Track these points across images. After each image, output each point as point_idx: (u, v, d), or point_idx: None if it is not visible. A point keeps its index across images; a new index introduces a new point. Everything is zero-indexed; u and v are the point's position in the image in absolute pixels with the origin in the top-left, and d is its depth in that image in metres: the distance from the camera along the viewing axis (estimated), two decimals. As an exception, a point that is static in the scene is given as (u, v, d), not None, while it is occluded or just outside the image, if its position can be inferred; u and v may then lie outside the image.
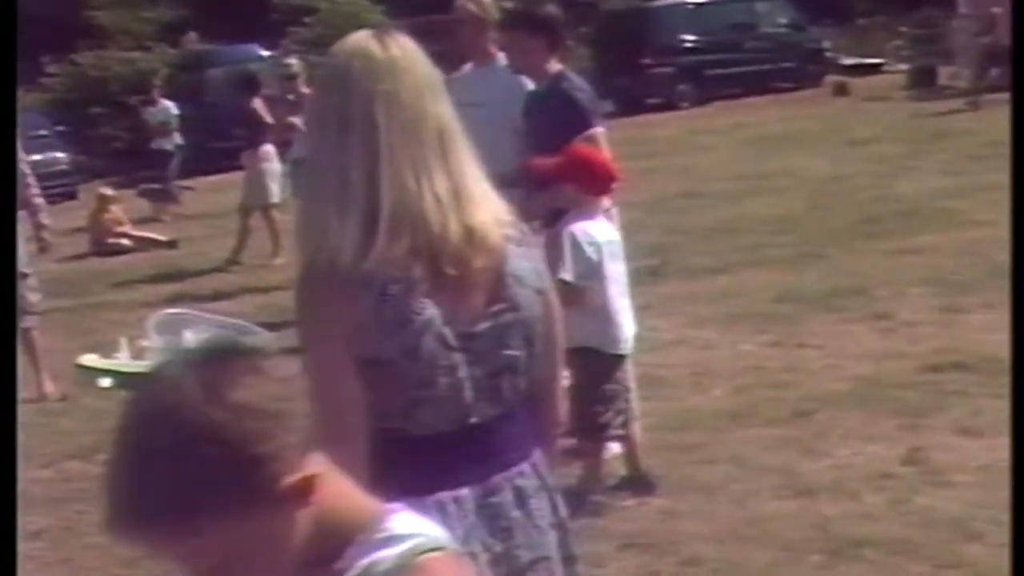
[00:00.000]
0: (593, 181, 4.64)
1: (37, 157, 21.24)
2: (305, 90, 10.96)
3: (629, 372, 5.11)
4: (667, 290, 8.81)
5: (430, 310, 2.09)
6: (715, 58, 25.10)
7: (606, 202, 4.73)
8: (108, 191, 15.05)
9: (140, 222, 16.20)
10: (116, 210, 14.58)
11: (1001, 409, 5.57)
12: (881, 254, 9.24)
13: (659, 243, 9.88)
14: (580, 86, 5.41)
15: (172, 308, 10.20)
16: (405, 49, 2.16)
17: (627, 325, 4.87)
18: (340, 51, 2.20)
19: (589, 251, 4.56)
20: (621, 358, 4.85)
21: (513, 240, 2.22)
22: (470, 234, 2.10)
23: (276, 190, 12.01)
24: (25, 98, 25.68)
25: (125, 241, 14.19)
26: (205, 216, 16.11)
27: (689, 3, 26.07)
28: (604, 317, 4.70)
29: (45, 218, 8.28)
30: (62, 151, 21.29)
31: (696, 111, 24.07)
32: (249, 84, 13.03)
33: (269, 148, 12.14)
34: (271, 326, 9.16)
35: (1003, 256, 8.58)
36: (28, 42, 26.87)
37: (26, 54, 26.66)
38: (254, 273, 11.72)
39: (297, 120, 10.90)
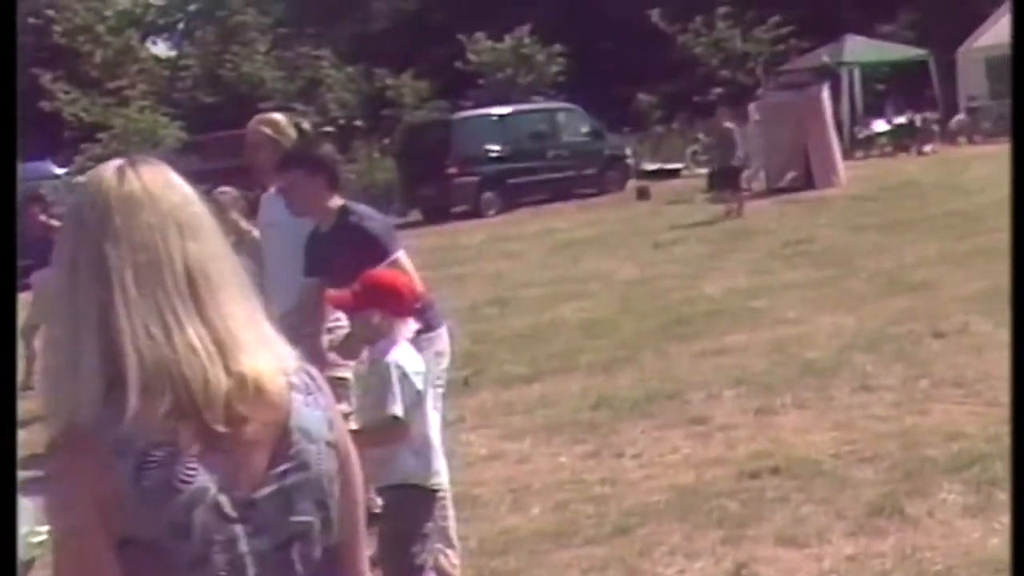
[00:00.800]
0: (400, 303, 4.40)
1: None
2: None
3: (448, 502, 4.87)
4: (480, 401, 8.60)
5: (201, 477, 1.78)
6: (519, 166, 25.38)
7: (413, 325, 4.49)
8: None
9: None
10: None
11: (823, 515, 5.51)
12: (692, 356, 9.21)
13: (470, 352, 9.67)
14: (369, 214, 5.32)
15: None
16: (148, 181, 1.87)
17: (442, 453, 4.62)
18: (82, 183, 1.93)
19: (416, 381, 4.30)
20: (440, 491, 4.58)
21: (299, 388, 1.94)
22: (242, 385, 1.81)
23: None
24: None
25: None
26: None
27: (491, 115, 26.37)
28: (425, 448, 4.43)
29: None
30: None
31: (502, 218, 24.21)
32: (37, 201, 12.50)
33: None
34: None
35: (812, 354, 8.73)
36: None
37: None
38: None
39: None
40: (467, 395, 8.85)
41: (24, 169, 22.60)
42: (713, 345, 9.47)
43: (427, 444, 4.43)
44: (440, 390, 5.20)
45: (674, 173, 28.64)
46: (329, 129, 29.73)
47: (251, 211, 6.96)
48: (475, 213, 24.62)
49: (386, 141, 28.41)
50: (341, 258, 5.06)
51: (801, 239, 15.14)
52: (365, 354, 4.63)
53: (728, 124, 20.20)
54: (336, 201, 5.28)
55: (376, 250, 5.03)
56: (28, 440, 9.30)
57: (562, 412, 8.07)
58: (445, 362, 5.37)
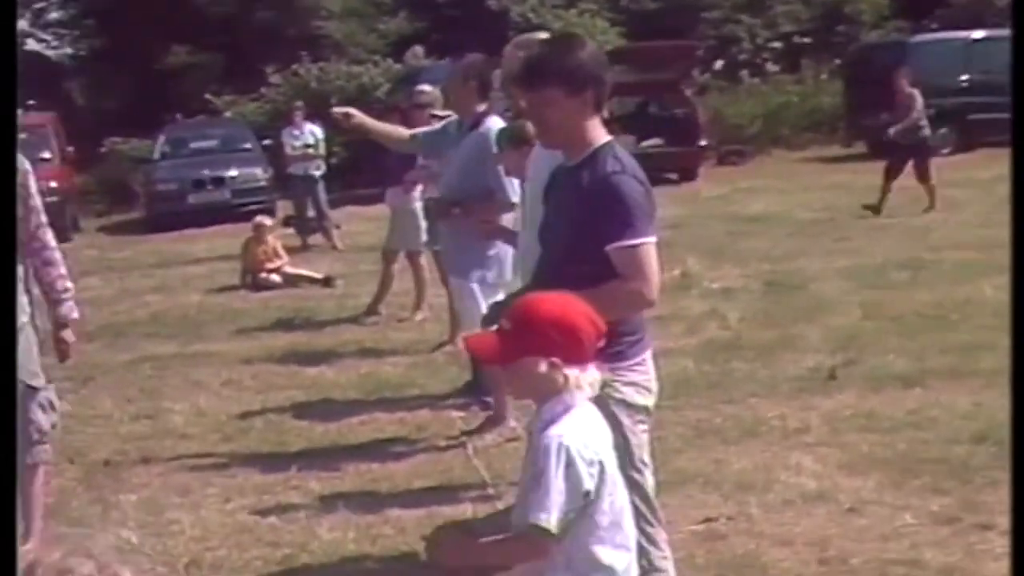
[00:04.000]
0: (576, 346, 2.85)
1: (234, 172, 20.61)
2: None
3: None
4: (836, 405, 6.90)
5: None
6: (983, 101, 22.35)
7: (594, 374, 2.93)
8: (267, 221, 13.87)
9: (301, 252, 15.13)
10: (273, 241, 13.37)
11: None
12: None
13: (854, 331, 7.88)
14: (631, 169, 3.63)
15: (272, 367, 8.87)
16: None
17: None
18: None
19: (586, 475, 2.78)
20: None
21: None
22: None
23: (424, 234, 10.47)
24: (243, 107, 25.27)
25: (275, 277, 12.95)
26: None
27: (956, 39, 23.37)
28: (591, 569, 2.92)
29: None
30: (262, 166, 20.42)
31: (954, 159, 21.49)
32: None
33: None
34: (362, 404, 7.97)
35: None
36: (253, 52, 26.57)
37: (250, 64, 26.34)
38: (384, 330, 10.26)
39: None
40: (825, 393, 7.15)
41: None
42: None
43: (593, 564, 2.88)
44: (643, 433, 3.67)
45: None
46: (776, 45, 27.67)
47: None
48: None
49: (837, 62, 26.03)
50: (568, 213, 3.59)
51: None
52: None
53: None
54: (597, 133, 3.69)
55: (613, 222, 3.50)
56: (329, 378, 8.57)
57: (931, 439, 6.22)
58: (650, 399, 3.75)
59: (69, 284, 5.40)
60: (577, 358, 2.86)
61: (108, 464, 6.88)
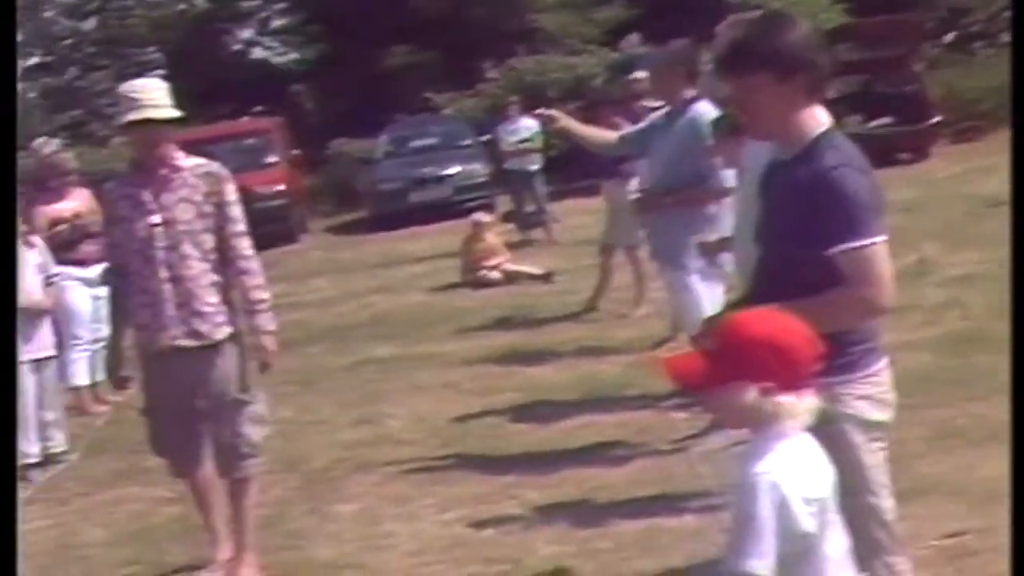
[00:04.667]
0: (791, 370, 2.53)
1: (455, 169, 20.65)
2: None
3: None
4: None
5: None
6: None
7: (810, 401, 2.59)
8: (484, 217, 13.78)
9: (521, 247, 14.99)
10: (492, 238, 13.27)
11: None
12: None
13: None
14: (855, 160, 3.25)
15: (491, 367, 8.75)
16: None
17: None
18: None
19: (801, 516, 2.47)
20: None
21: None
22: None
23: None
24: (462, 103, 25.36)
25: (495, 274, 12.85)
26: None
27: None
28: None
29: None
30: (482, 162, 20.40)
31: None
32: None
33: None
34: (581, 405, 7.75)
35: None
36: (470, 48, 26.66)
37: (467, 60, 26.43)
38: (604, 327, 10.02)
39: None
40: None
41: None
42: None
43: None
44: (880, 452, 3.31)
45: None
46: (1010, 14, 26.24)
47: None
48: None
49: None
50: (784, 214, 3.25)
51: None
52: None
53: None
54: (813, 122, 3.30)
55: (836, 222, 3.13)
56: (551, 377, 8.37)
57: None
58: (887, 413, 3.35)
59: (265, 295, 5.32)
60: (791, 383, 2.54)
61: (327, 471, 6.84)
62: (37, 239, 7.92)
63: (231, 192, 5.24)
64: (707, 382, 2.61)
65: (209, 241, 5.19)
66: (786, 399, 2.52)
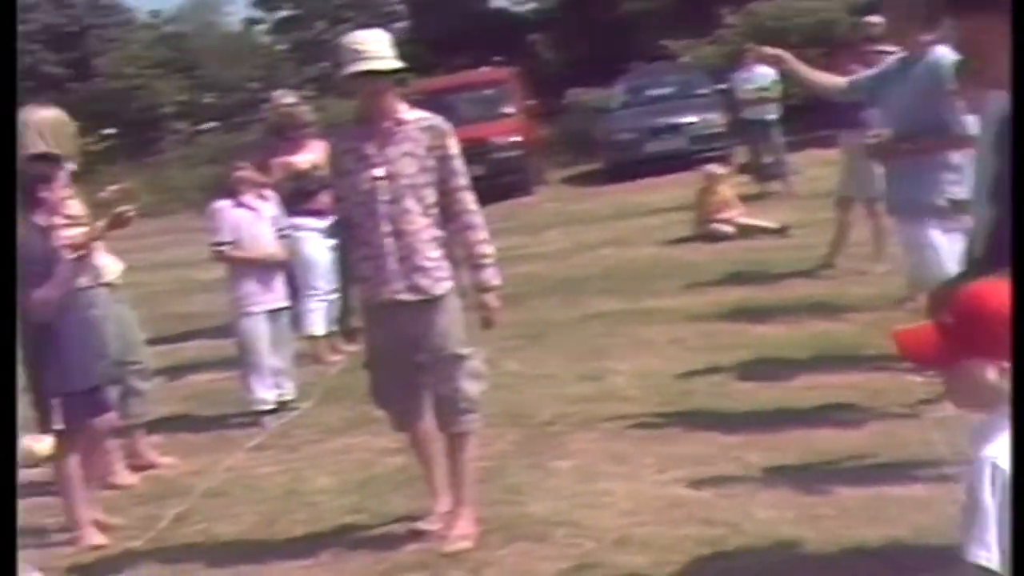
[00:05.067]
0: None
1: (691, 119, 20.32)
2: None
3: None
4: None
5: None
6: None
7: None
8: (718, 169, 13.53)
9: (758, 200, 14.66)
10: (726, 190, 13.03)
11: None
12: None
13: None
14: None
15: (719, 324, 8.60)
16: None
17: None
18: None
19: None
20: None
21: None
22: None
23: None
24: (700, 51, 24.93)
25: (727, 228, 12.61)
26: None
27: None
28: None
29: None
30: (719, 112, 20.00)
31: None
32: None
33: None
34: (812, 365, 7.50)
35: None
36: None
37: (706, 5, 25.91)
38: (840, 284, 9.70)
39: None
40: None
41: None
42: None
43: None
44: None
45: None
46: None
47: None
48: None
49: None
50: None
51: None
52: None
53: None
54: None
55: None
56: (779, 334, 8.11)
57: None
58: None
59: (490, 249, 5.29)
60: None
61: (549, 426, 6.83)
62: (269, 192, 8.13)
63: (454, 146, 5.21)
64: (944, 358, 2.44)
65: (431, 195, 5.18)
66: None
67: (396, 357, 5.26)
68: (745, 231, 12.60)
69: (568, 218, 16.68)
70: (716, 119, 20.00)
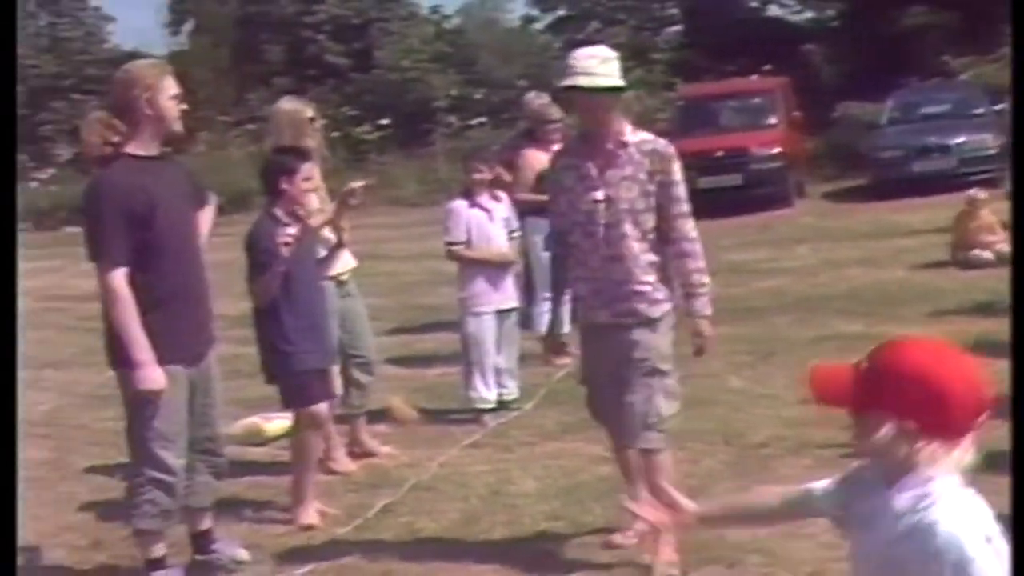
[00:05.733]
0: (944, 418, 2.32)
1: (961, 139, 19.52)
2: None
3: None
4: None
5: None
6: None
7: (966, 455, 2.33)
8: (981, 193, 12.99)
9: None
10: (988, 216, 12.50)
11: None
12: None
13: None
14: None
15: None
16: None
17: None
18: None
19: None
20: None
21: None
22: None
23: None
24: (982, 69, 23.92)
25: (986, 255, 12.10)
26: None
27: None
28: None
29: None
30: (993, 133, 19.13)
31: None
32: None
33: None
34: None
35: None
36: (993, 10, 25.01)
37: (991, 22, 24.81)
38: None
39: None
40: None
41: None
42: None
43: None
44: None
45: None
46: None
47: None
48: None
49: None
50: None
51: None
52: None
53: None
54: None
55: None
56: None
57: None
58: None
59: (705, 278, 5.27)
60: (940, 431, 2.30)
61: (762, 448, 6.74)
62: (502, 193, 8.27)
63: (676, 171, 5.19)
64: (849, 400, 2.39)
65: (650, 220, 5.17)
66: (931, 446, 2.30)
67: (610, 374, 5.28)
68: (1004, 259, 12.05)
69: (821, 234, 16.33)
70: (989, 140, 19.17)
